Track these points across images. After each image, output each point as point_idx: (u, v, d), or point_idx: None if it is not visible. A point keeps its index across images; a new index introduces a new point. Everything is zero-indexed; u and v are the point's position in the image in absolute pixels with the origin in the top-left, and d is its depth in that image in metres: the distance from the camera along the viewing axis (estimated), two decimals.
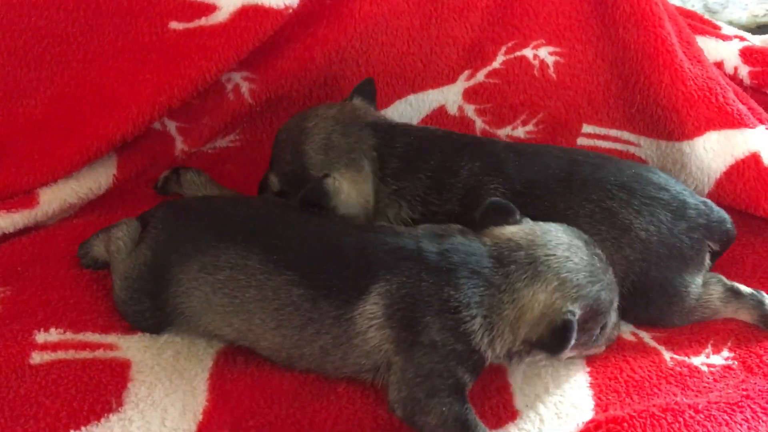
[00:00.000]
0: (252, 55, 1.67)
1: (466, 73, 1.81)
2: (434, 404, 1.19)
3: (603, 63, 1.76)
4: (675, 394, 1.29)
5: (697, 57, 1.78)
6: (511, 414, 1.28)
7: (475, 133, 1.80)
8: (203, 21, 1.67)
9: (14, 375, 1.27)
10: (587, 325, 1.26)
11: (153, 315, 1.36)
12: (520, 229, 1.30)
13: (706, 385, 1.32)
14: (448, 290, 1.22)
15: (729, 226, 1.46)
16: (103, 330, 1.38)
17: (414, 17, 1.79)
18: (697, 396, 1.28)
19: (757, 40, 2.15)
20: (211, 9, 1.67)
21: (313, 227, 1.36)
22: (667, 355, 1.38)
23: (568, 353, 1.29)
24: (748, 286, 1.47)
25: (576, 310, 1.21)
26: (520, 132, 1.79)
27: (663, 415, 1.18)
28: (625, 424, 1.18)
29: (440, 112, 1.81)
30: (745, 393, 1.25)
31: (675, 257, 1.40)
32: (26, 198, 1.60)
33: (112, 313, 1.41)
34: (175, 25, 1.69)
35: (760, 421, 1.21)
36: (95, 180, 1.67)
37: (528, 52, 1.78)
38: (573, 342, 1.21)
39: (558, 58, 1.78)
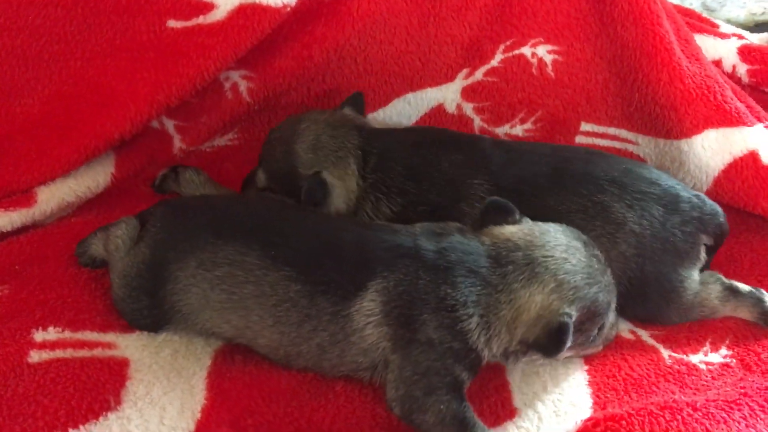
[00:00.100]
0: (250, 53, 1.67)
1: (465, 71, 1.81)
2: (432, 402, 1.19)
3: (601, 61, 1.76)
4: (673, 392, 1.29)
5: (695, 55, 1.78)
6: (509, 412, 1.28)
7: (473, 131, 1.80)
8: (201, 19, 1.67)
9: (12, 374, 1.27)
10: (584, 327, 1.26)
11: (151, 313, 1.36)
12: (519, 230, 1.30)
13: (705, 383, 1.32)
14: (445, 288, 1.22)
15: (722, 219, 1.46)
16: (102, 328, 1.38)
17: (412, 16, 1.79)
18: (695, 394, 1.28)
19: (756, 39, 2.15)
20: (209, 7, 1.67)
21: (311, 224, 1.36)
22: (665, 353, 1.39)
23: (565, 354, 1.29)
24: (746, 283, 1.47)
25: (573, 312, 1.21)
26: (519, 130, 1.79)
27: (661, 413, 1.18)
28: (624, 422, 1.18)
29: (439, 111, 1.81)
30: (743, 391, 1.25)
31: (669, 251, 1.40)
32: (24, 197, 1.60)
33: (111, 312, 1.41)
34: (173, 23, 1.68)
35: (758, 418, 1.21)
36: (93, 179, 1.67)
37: (526, 51, 1.78)
38: (569, 344, 1.21)
39: (556, 56, 1.77)
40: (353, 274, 1.26)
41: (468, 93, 1.79)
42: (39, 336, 1.34)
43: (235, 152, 1.84)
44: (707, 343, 1.40)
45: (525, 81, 1.78)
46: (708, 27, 2.11)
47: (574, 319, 1.21)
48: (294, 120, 1.60)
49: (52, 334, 1.35)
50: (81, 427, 1.20)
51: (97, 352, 1.33)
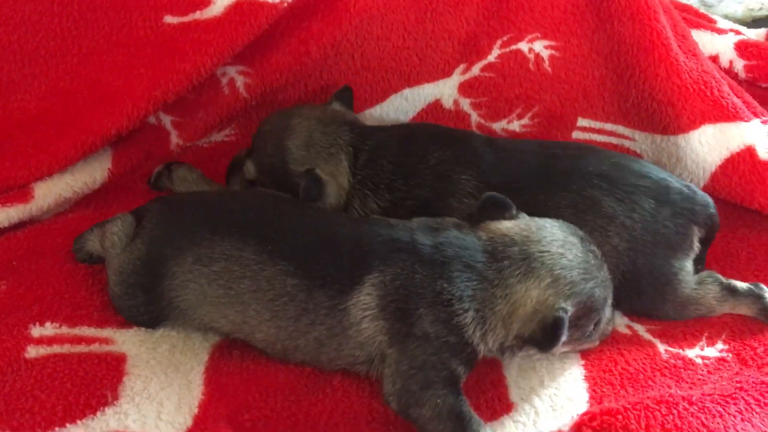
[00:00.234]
0: (247, 49, 1.67)
1: (462, 66, 1.80)
2: (429, 396, 1.20)
3: (598, 57, 1.76)
4: (669, 387, 1.29)
5: (692, 50, 1.78)
6: (506, 407, 1.28)
7: (470, 126, 1.80)
8: (198, 15, 1.67)
9: (10, 369, 1.27)
10: (580, 322, 1.26)
11: (148, 309, 1.36)
12: (516, 225, 1.30)
13: (701, 377, 1.32)
14: (441, 283, 1.23)
15: (712, 210, 1.46)
16: (99, 324, 1.38)
17: (409, 11, 1.79)
18: (691, 388, 1.28)
19: (753, 34, 2.16)
20: (206, 3, 1.67)
21: (307, 218, 1.36)
22: (661, 347, 1.39)
23: (561, 349, 1.30)
24: (743, 278, 1.48)
25: (568, 308, 1.22)
26: (516, 126, 1.79)
27: (657, 407, 1.19)
28: (620, 416, 1.18)
29: (436, 106, 1.80)
30: (739, 385, 1.26)
31: (661, 244, 1.40)
32: (21, 192, 1.60)
33: (108, 308, 1.41)
34: (169, 19, 1.68)
35: (754, 413, 1.21)
36: (90, 174, 1.67)
37: (523, 46, 1.78)
38: (563, 339, 1.21)
39: (553, 51, 1.77)
40: (350, 268, 1.26)
41: (465, 88, 1.79)
42: (36, 331, 1.34)
43: (232, 148, 1.83)
44: (703, 338, 1.40)
45: (522, 76, 1.77)
46: (705, 22, 2.12)
47: (569, 314, 1.21)
48: (285, 115, 1.60)
49: (49, 329, 1.35)
50: (78, 422, 1.20)
51: (95, 347, 1.33)
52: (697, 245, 1.44)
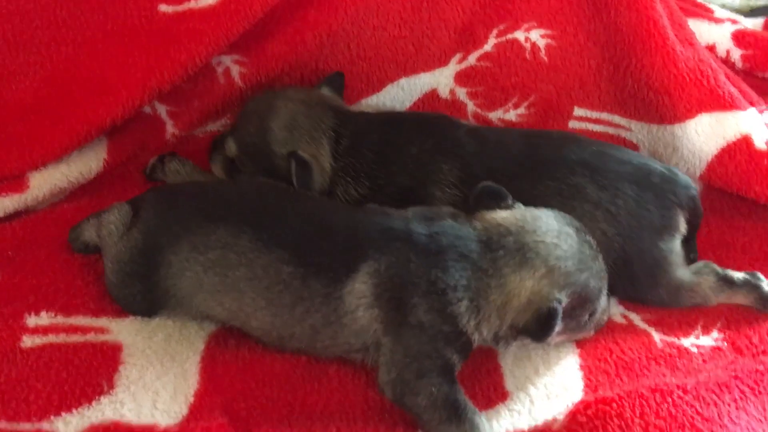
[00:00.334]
0: (242, 38, 1.66)
1: (458, 56, 1.80)
2: (423, 385, 1.20)
3: (594, 46, 1.75)
4: (664, 375, 1.29)
5: (689, 40, 1.78)
6: (501, 395, 1.29)
7: (467, 116, 1.79)
8: (192, 4, 1.66)
9: (5, 358, 1.27)
10: (575, 312, 1.26)
11: (144, 298, 1.36)
12: (511, 215, 1.30)
13: (696, 366, 1.32)
14: (435, 272, 1.23)
15: (694, 192, 1.47)
16: (94, 314, 1.38)
17: (405, 0, 1.78)
18: (686, 377, 1.28)
19: (750, 23, 2.15)
20: None
21: (303, 206, 1.36)
22: (657, 336, 1.39)
23: (556, 338, 1.30)
24: (738, 268, 1.48)
25: (563, 298, 1.22)
26: (512, 115, 1.78)
27: (652, 396, 1.19)
28: (614, 405, 1.19)
29: (432, 96, 1.80)
30: (733, 373, 1.26)
31: (646, 228, 1.41)
32: (16, 182, 1.59)
33: (103, 297, 1.41)
34: (164, 8, 1.68)
35: (748, 401, 1.22)
36: (86, 164, 1.66)
37: (520, 35, 1.77)
38: (557, 330, 1.22)
39: (549, 40, 1.77)
40: (345, 256, 1.26)
41: (461, 78, 1.79)
42: (32, 321, 1.34)
43: None
44: (699, 327, 1.41)
45: (518, 65, 1.77)
46: (702, 12, 2.11)
47: (564, 304, 1.22)
48: (271, 96, 1.61)
49: (44, 319, 1.35)
50: (74, 410, 1.20)
51: (90, 336, 1.33)
52: (683, 226, 1.45)
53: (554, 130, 1.65)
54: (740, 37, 2.00)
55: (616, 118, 1.77)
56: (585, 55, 1.76)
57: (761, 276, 1.44)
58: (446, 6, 1.79)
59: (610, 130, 1.76)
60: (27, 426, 1.18)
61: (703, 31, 1.97)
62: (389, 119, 1.62)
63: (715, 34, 2.00)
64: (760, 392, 1.23)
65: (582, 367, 1.32)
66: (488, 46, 1.78)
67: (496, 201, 1.32)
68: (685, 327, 1.41)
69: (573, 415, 1.21)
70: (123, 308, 1.39)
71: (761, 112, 1.72)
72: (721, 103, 1.68)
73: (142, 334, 1.35)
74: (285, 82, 1.78)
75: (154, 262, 1.34)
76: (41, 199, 1.61)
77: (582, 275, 1.24)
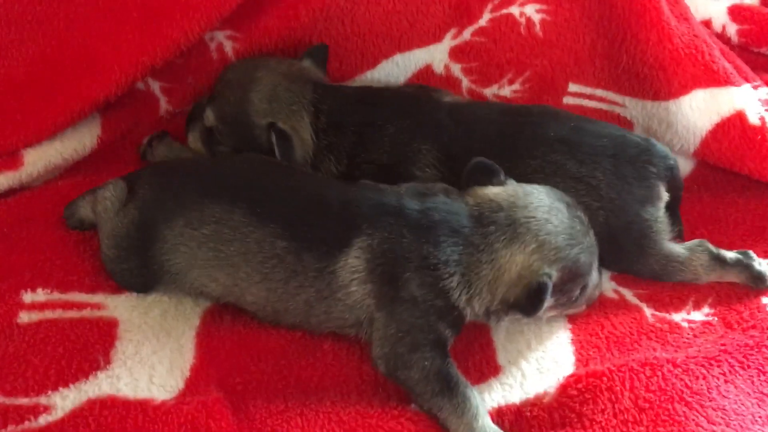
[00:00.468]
0: (235, 13, 1.65)
1: (453, 31, 1.78)
2: (416, 359, 1.21)
3: (589, 21, 1.74)
4: (655, 350, 1.31)
5: (683, 15, 1.77)
6: (493, 369, 1.30)
7: (461, 92, 1.78)
8: None
9: (2, 334, 1.28)
10: (566, 287, 1.27)
11: (140, 273, 1.37)
12: (503, 191, 1.30)
13: (686, 340, 1.34)
14: (427, 247, 1.24)
15: (672, 162, 1.49)
16: (90, 290, 1.39)
17: None
18: (676, 351, 1.30)
19: None
20: None
21: (296, 181, 1.37)
22: (648, 311, 1.40)
23: (548, 313, 1.31)
24: (730, 243, 1.49)
25: (553, 273, 1.23)
26: (507, 91, 1.78)
27: (642, 369, 1.21)
28: (605, 378, 1.21)
29: (426, 72, 1.79)
30: (723, 348, 1.27)
31: (627, 199, 1.42)
32: (11, 159, 1.59)
33: (99, 274, 1.42)
34: None
35: (737, 375, 1.23)
36: (80, 141, 1.66)
37: (514, 10, 1.76)
38: (546, 305, 1.23)
39: (544, 15, 1.75)
40: (338, 231, 1.27)
41: (456, 53, 1.78)
42: (28, 297, 1.35)
43: None
44: (690, 302, 1.42)
45: (513, 41, 1.76)
46: None
47: (554, 279, 1.23)
48: (251, 66, 1.60)
49: (41, 295, 1.36)
50: (71, 385, 1.22)
51: (86, 312, 1.35)
52: (664, 194, 1.46)
53: (535, 105, 1.64)
54: (736, 12, 1.98)
55: (611, 95, 1.76)
56: (580, 30, 1.75)
57: (753, 255, 1.44)
58: None
59: (605, 107, 1.76)
60: (24, 401, 1.19)
61: (698, 6, 1.95)
62: (367, 96, 1.61)
63: (711, 9, 1.98)
64: (748, 366, 1.25)
65: (573, 342, 1.34)
66: (483, 21, 1.77)
67: (489, 177, 1.33)
68: (677, 302, 1.42)
69: (564, 388, 1.23)
70: (119, 284, 1.40)
71: (756, 87, 1.71)
72: (716, 78, 1.67)
73: (138, 309, 1.36)
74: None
75: (150, 237, 1.35)
76: (36, 176, 1.62)
77: (572, 250, 1.25)
